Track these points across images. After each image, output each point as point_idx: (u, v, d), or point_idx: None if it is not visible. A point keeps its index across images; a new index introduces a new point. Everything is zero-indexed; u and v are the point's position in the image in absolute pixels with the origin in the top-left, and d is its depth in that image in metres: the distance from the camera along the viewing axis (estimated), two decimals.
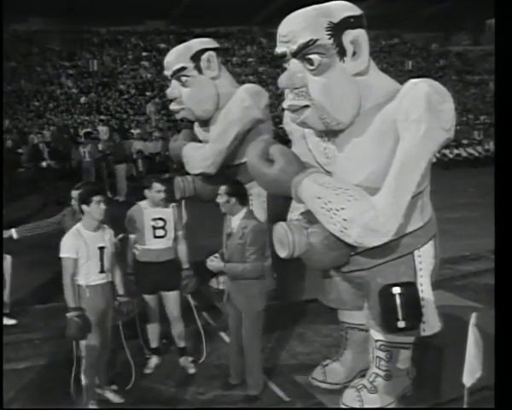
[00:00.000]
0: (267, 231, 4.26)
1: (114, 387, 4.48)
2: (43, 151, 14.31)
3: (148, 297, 4.76)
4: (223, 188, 4.27)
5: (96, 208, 4.02)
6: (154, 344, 4.93)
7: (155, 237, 4.65)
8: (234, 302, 4.36)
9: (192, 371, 4.76)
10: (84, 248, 4.00)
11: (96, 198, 4.02)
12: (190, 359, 4.86)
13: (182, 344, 4.87)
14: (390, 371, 3.96)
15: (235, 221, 4.25)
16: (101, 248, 4.09)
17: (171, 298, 4.74)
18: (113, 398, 4.40)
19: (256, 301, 4.26)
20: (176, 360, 4.90)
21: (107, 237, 4.18)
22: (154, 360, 4.88)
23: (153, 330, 4.89)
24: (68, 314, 3.96)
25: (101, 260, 4.09)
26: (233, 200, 4.22)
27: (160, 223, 4.65)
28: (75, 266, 3.99)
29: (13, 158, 14.64)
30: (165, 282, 4.67)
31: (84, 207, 4.04)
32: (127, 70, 25.69)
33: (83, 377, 4.10)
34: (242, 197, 4.28)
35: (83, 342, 4.05)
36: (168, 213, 4.69)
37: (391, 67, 26.69)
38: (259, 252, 4.17)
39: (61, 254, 4.01)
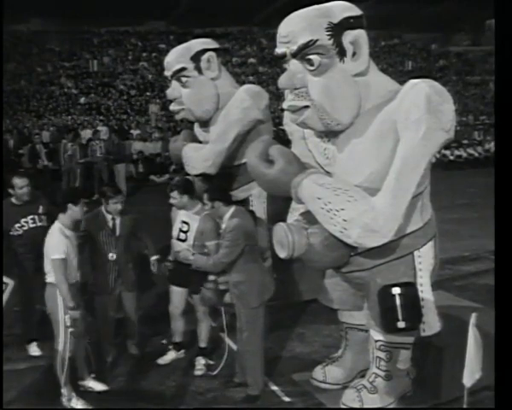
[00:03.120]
0: (247, 230, 4.25)
1: (93, 375, 4.57)
2: (41, 152, 14.30)
3: (175, 289, 4.82)
4: (205, 196, 4.34)
5: (80, 210, 4.25)
6: (176, 339, 4.96)
7: (178, 238, 4.68)
8: (233, 299, 4.40)
9: (198, 373, 4.72)
10: (70, 247, 4.17)
11: (83, 200, 4.27)
12: (203, 362, 4.79)
13: (202, 344, 4.85)
14: (390, 372, 3.96)
15: (224, 223, 4.31)
16: (78, 245, 4.32)
17: (195, 299, 4.74)
18: (96, 386, 4.49)
19: (249, 298, 4.25)
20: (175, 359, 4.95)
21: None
22: (171, 354, 4.93)
23: (175, 325, 4.93)
24: (71, 313, 4.06)
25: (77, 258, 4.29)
26: (217, 204, 4.28)
27: (185, 227, 4.63)
28: (66, 265, 4.10)
29: (13, 159, 14.61)
30: (189, 283, 4.68)
31: (70, 205, 4.19)
32: (127, 70, 25.70)
33: (59, 368, 4.20)
34: (226, 198, 4.34)
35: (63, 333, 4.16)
36: (195, 219, 4.62)
37: (391, 67, 26.70)
38: (230, 249, 4.15)
39: (53, 256, 4.10)
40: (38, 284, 4.84)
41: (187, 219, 4.65)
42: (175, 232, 4.72)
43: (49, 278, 4.21)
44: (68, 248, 4.16)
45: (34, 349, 5.13)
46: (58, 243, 4.13)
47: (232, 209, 4.30)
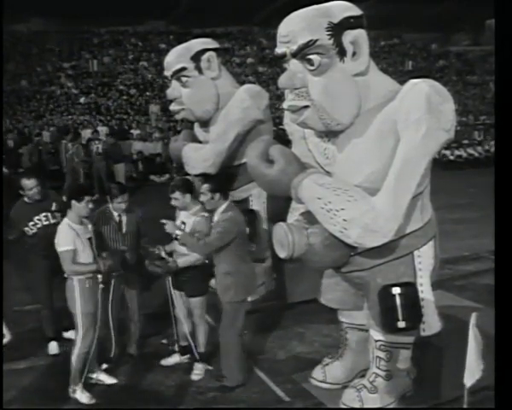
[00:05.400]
0: (239, 223, 4.36)
1: (105, 365, 4.66)
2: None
3: (176, 293, 4.79)
4: (205, 186, 4.41)
5: (85, 207, 4.31)
6: (182, 342, 4.92)
7: (176, 238, 4.62)
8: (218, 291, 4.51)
9: (195, 377, 4.67)
10: (77, 239, 4.26)
11: (87, 198, 4.32)
12: (201, 366, 4.74)
13: (200, 349, 4.77)
14: (390, 372, 3.96)
15: (216, 216, 4.40)
16: (90, 239, 4.39)
17: (193, 303, 4.70)
18: (107, 379, 4.59)
19: (232, 292, 4.36)
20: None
21: (90, 228, 4.46)
22: (176, 358, 4.91)
23: (180, 328, 4.90)
24: (104, 265, 4.29)
25: (92, 250, 4.38)
26: (217, 196, 4.39)
27: (183, 226, 4.61)
28: (74, 256, 4.22)
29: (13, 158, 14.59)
30: (186, 286, 4.66)
31: (73, 202, 4.29)
32: (127, 70, 25.69)
33: (74, 361, 4.33)
34: (225, 192, 4.46)
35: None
36: (191, 219, 4.60)
37: (391, 67, 26.68)
38: (222, 235, 4.24)
39: (60, 249, 4.23)
40: (53, 283, 5.03)
41: (185, 220, 4.64)
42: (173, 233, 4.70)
43: (66, 273, 4.33)
44: (76, 240, 4.25)
45: (53, 348, 5.15)
46: (65, 236, 4.24)
47: (226, 204, 4.43)
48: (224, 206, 4.41)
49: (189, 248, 4.39)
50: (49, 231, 4.79)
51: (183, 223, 4.62)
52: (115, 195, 4.78)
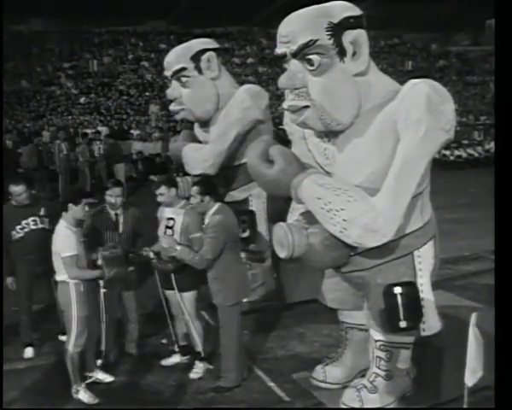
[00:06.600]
0: (228, 227, 4.37)
1: (99, 362, 4.66)
2: None
3: (168, 293, 4.76)
4: (195, 189, 4.42)
5: (82, 209, 4.29)
6: (181, 341, 4.91)
7: (164, 235, 4.64)
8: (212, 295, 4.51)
9: (194, 376, 4.67)
10: (78, 244, 4.26)
11: (84, 200, 4.30)
12: (201, 365, 4.72)
13: (197, 348, 4.75)
14: (390, 371, 3.96)
15: (207, 218, 4.40)
16: (84, 242, 4.38)
17: (184, 298, 4.68)
18: (105, 377, 4.59)
19: (225, 295, 4.37)
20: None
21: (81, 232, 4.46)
22: (176, 358, 4.90)
23: (178, 327, 4.88)
24: (109, 274, 4.34)
25: (84, 254, 4.35)
26: (207, 198, 4.38)
27: (171, 222, 4.62)
28: (77, 261, 4.22)
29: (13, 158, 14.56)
30: (177, 282, 4.64)
31: (70, 205, 4.26)
32: (127, 70, 25.71)
33: (68, 362, 4.30)
34: (215, 194, 4.45)
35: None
36: (179, 213, 4.62)
37: (391, 67, 26.72)
38: (213, 245, 4.26)
39: (63, 254, 4.18)
40: (42, 286, 5.00)
41: (172, 215, 4.64)
42: (161, 230, 4.69)
43: (60, 277, 4.29)
44: (77, 245, 4.25)
45: (29, 353, 5.10)
46: (66, 240, 4.21)
47: (217, 206, 4.42)
48: (214, 208, 4.40)
49: (185, 261, 4.37)
50: (37, 236, 4.83)
51: (171, 219, 4.61)
52: (107, 187, 4.82)
